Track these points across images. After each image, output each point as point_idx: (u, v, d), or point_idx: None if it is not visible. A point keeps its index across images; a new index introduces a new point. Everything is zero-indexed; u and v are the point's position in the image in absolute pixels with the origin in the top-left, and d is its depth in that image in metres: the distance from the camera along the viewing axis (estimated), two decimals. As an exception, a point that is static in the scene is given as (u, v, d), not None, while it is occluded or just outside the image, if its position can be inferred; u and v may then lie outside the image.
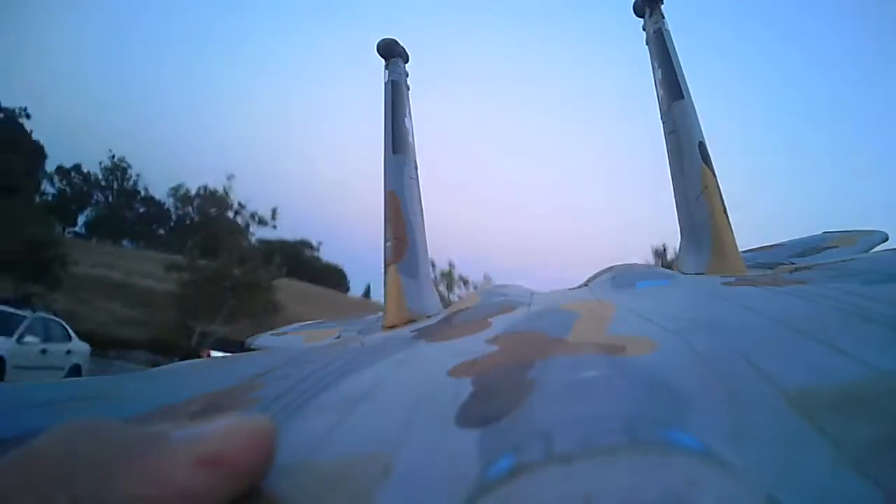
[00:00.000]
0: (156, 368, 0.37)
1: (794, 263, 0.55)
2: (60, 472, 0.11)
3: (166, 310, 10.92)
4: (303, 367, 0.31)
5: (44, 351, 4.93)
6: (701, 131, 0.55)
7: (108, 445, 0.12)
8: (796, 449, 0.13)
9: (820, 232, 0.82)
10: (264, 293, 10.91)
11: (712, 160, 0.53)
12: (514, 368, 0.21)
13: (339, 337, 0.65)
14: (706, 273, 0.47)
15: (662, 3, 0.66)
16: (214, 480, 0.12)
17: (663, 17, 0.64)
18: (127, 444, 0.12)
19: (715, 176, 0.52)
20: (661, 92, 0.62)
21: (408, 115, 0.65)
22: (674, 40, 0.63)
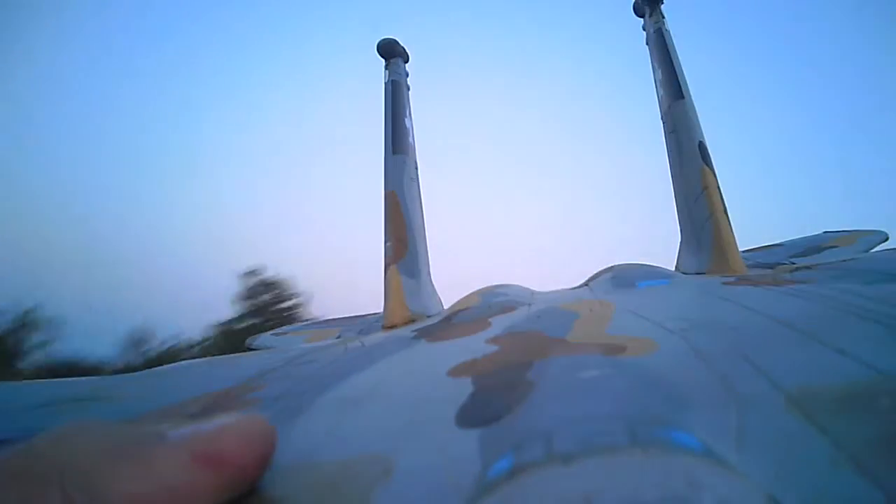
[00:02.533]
0: (157, 368, 0.37)
1: (794, 263, 0.55)
2: (54, 470, 0.11)
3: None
4: (304, 367, 0.31)
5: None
6: (701, 131, 0.56)
7: (103, 445, 0.12)
8: (796, 449, 0.13)
9: (820, 232, 0.82)
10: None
11: (712, 160, 0.53)
12: (514, 368, 0.21)
13: (339, 337, 0.66)
14: (706, 273, 0.47)
15: (662, 3, 0.66)
16: (210, 477, 0.12)
17: (663, 17, 0.64)
18: (122, 443, 0.12)
19: (715, 176, 0.52)
20: (661, 92, 0.62)
21: (408, 115, 0.65)
22: (674, 40, 0.63)
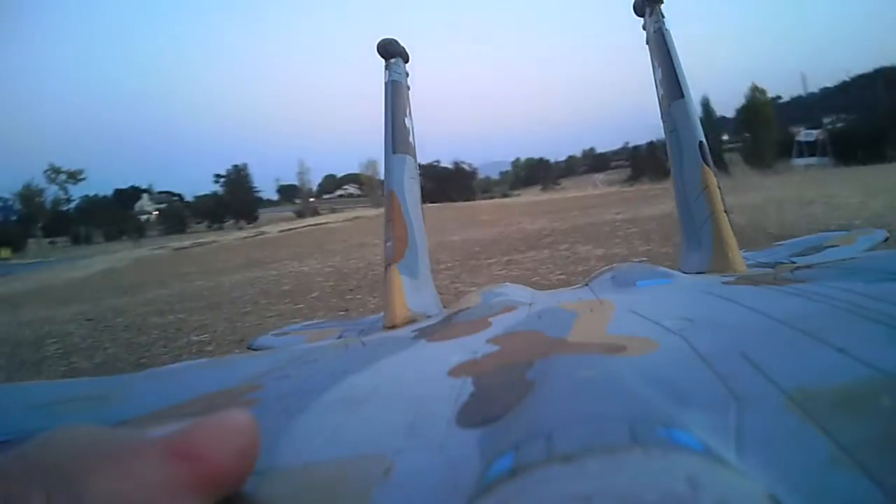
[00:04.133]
0: (158, 369, 0.37)
1: (794, 262, 0.55)
2: (38, 472, 0.11)
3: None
4: (304, 367, 0.31)
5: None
6: (701, 131, 0.56)
7: (86, 446, 0.12)
8: (796, 448, 0.13)
9: (820, 231, 0.82)
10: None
11: (712, 159, 0.54)
12: (515, 368, 0.21)
13: (339, 337, 0.66)
14: (707, 272, 0.47)
15: (662, 3, 0.66)
16: (186, 472, 0.12)
17: (663, 17, 0.64)
18: (105, 444, 0.12)
19: (715, 175, 0.52)
20: (661, 91, 0.62)
21: (408, 115, 0.65)
22: (674, 40, 0.63)
